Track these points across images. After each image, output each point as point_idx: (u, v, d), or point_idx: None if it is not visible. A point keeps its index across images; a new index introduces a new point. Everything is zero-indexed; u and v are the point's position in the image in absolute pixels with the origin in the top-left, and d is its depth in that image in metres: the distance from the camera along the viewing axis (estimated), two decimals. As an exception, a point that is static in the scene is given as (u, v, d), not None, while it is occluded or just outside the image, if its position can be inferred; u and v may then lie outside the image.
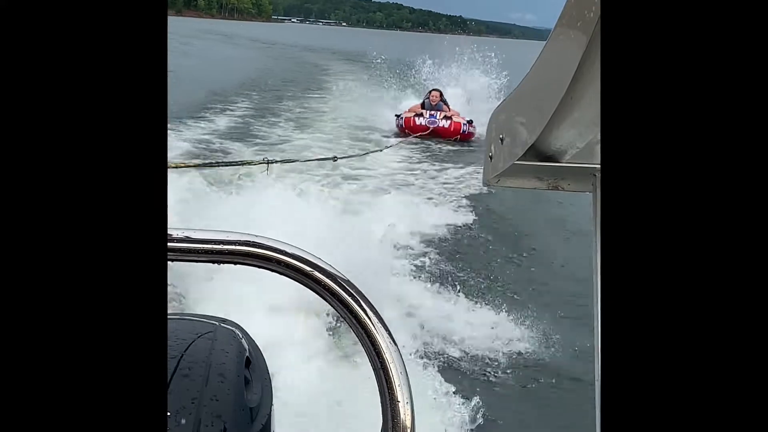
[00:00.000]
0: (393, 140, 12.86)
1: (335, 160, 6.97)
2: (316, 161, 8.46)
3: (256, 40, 65.79)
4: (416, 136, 13.21)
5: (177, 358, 0.98)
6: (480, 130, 14.23)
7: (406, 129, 13.64)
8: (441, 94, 14.61)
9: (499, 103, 0.84)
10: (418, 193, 9.36)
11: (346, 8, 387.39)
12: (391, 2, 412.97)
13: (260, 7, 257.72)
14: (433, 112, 13.86)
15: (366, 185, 9.30)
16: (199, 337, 1.06)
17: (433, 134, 13.49)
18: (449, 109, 14.43)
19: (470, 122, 13.89)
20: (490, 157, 0.87)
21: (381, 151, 10.55)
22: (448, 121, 13.71)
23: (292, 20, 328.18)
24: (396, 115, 14.28)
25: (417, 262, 6.63)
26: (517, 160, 0.79)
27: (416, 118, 13.68)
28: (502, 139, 0.82)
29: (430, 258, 6.83)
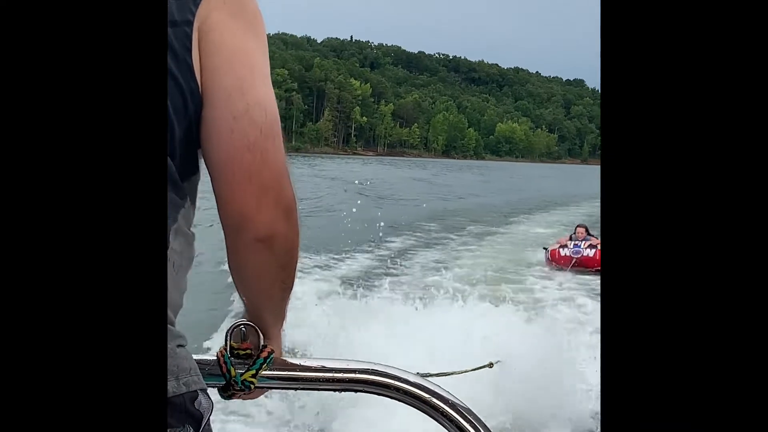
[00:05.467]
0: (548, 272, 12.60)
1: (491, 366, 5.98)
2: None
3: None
4: (563, 268, 12.91)
5: None
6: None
7: (552, 261, 13.47)
8: (587, 230, 14.23)
9: None
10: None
11: None
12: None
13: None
14: (577, 242, 13.58)
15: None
16: None
17: (579, 264, 12.96)
18: (596, 239, 13.67)
19: None
20: None
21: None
22: (593, 250, 13.08)
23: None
24: (543, 248, 14.28)
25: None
26: None
27: (561, 250, 13.53)
28: None
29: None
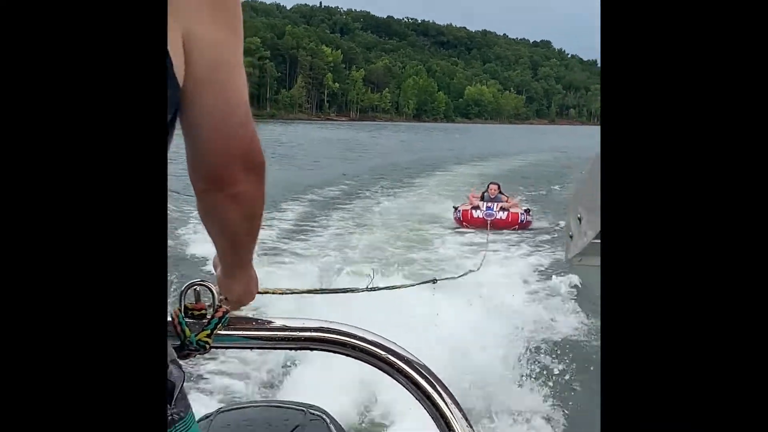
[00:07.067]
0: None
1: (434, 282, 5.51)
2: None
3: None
4: (475, 229, 12.82)
5: None
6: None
7: (463, 222, 13.50)
8: (499, 187, 14.49)
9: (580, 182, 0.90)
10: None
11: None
12: None
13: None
14: (489, 204, 13.64)
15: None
16: (292, 427, 1.17)
17: (492, 226, 12.94)
18: (508, 200, 14.24)
19: (527, 211, 13.76)
20: (571, 236, 0.87)
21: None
22: (505, 212, 13.47)
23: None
24: (454, 207, 14.15)
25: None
26: (595, 238, 0.78)
27: (473, 211, 13.57)
28: (580, 219, 0.82)
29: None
